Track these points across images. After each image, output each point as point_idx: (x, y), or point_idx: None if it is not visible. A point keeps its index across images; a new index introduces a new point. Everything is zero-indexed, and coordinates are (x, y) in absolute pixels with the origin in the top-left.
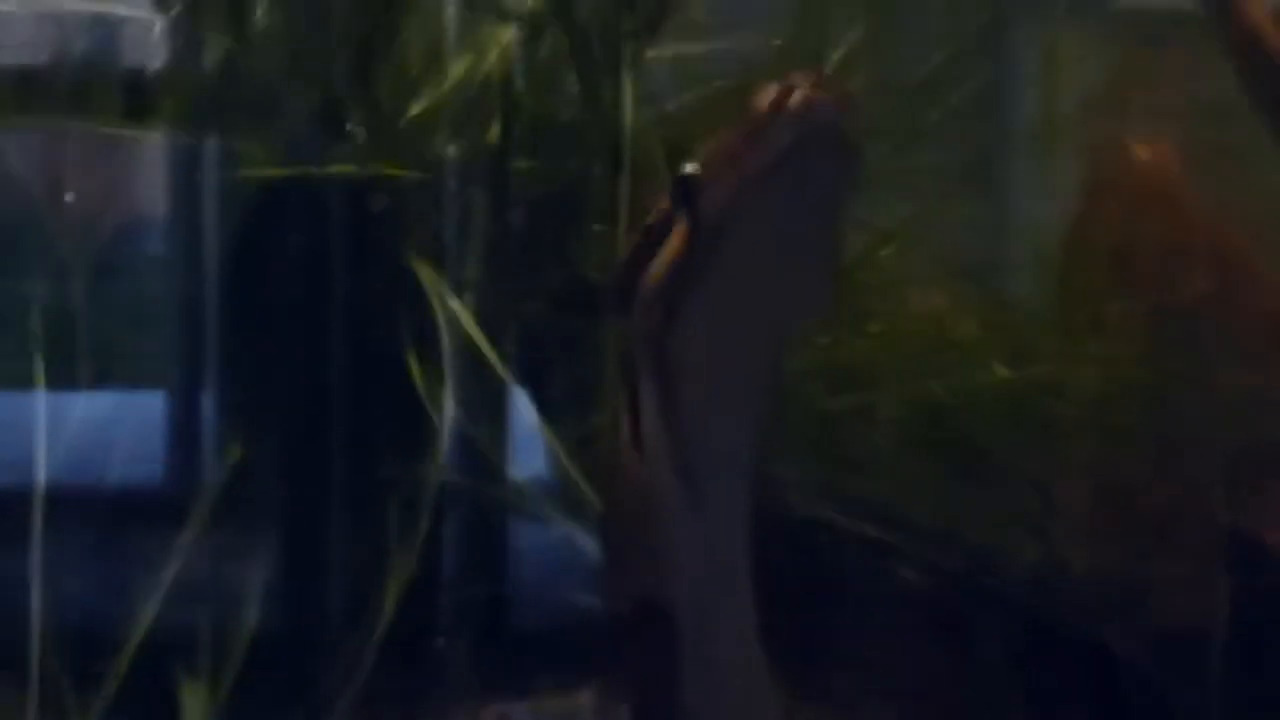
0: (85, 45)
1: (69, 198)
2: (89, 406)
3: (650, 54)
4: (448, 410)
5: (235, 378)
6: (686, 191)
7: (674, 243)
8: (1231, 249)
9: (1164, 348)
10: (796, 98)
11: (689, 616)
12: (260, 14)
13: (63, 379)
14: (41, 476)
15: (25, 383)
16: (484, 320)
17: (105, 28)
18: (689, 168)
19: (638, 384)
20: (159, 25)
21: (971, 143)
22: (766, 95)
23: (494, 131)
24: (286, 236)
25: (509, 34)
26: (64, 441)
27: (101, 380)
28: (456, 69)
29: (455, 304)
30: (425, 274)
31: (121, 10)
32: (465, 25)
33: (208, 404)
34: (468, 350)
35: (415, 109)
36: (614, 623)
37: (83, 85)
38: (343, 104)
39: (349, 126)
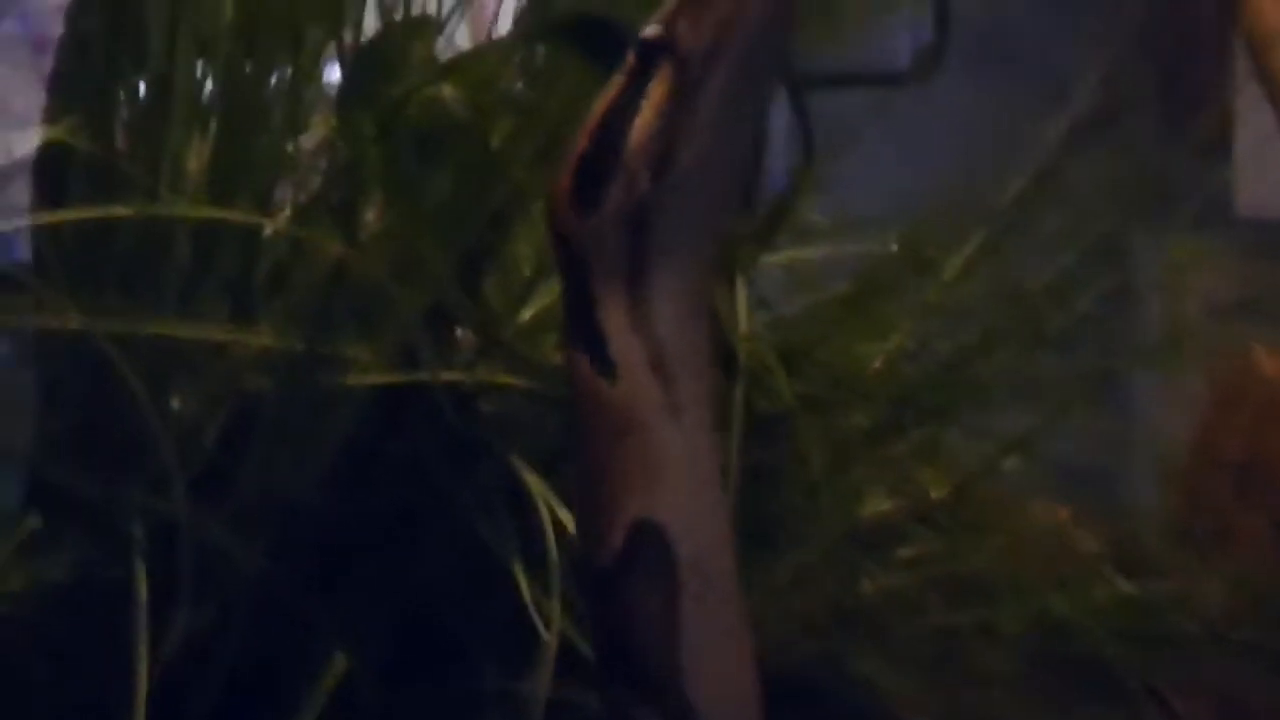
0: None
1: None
2: None
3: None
4: (554, 620)
5: (340, 581)
6: (658, 46)
7: (655, 97)
8: None
9: None
10: None
11: (683, 535)
12: (370, 218)
13: None
14: None
15: None
16: None
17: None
18: (649, 29)
19: (596, 292)
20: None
21: (1096, 350)
22: None
23: None
24: (393, 442)
25: None
26: None
27: None
28: None
29: (563, 513)
30: (533, 482)
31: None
32: None
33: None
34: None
35: (525, 314)
36: (595, 569)
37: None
38: (452, 309)
39: (458, 332)
